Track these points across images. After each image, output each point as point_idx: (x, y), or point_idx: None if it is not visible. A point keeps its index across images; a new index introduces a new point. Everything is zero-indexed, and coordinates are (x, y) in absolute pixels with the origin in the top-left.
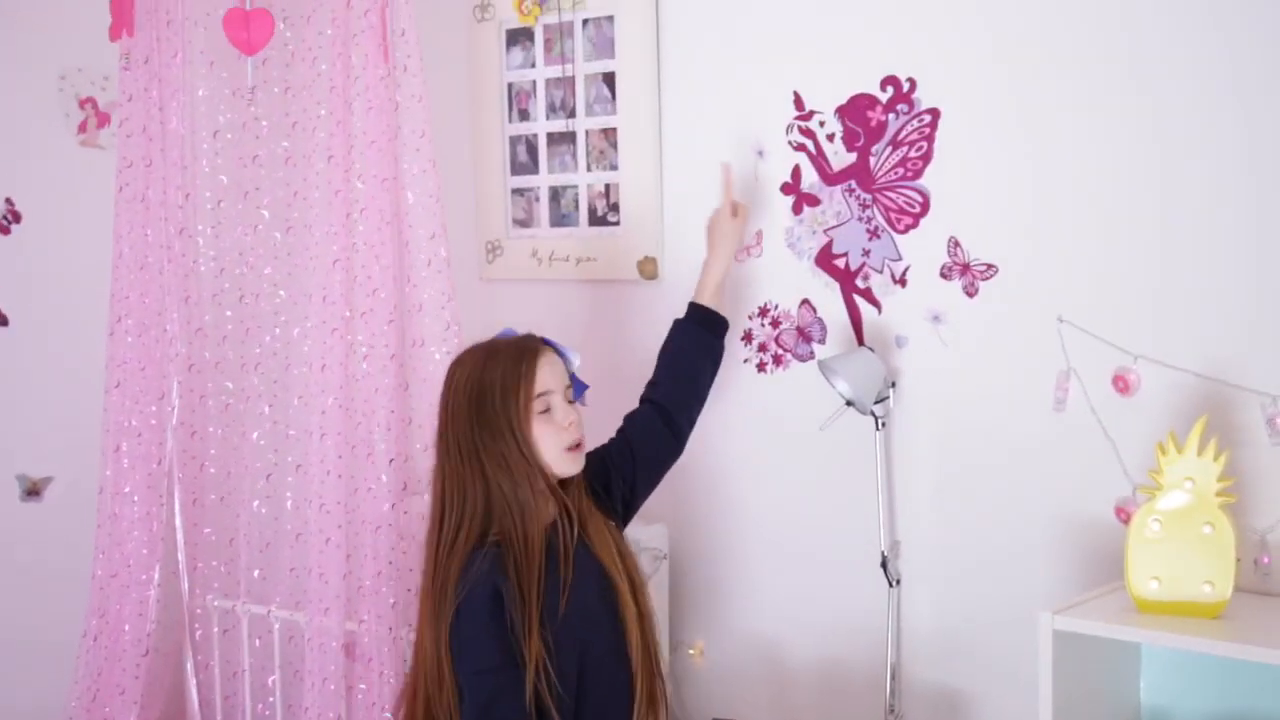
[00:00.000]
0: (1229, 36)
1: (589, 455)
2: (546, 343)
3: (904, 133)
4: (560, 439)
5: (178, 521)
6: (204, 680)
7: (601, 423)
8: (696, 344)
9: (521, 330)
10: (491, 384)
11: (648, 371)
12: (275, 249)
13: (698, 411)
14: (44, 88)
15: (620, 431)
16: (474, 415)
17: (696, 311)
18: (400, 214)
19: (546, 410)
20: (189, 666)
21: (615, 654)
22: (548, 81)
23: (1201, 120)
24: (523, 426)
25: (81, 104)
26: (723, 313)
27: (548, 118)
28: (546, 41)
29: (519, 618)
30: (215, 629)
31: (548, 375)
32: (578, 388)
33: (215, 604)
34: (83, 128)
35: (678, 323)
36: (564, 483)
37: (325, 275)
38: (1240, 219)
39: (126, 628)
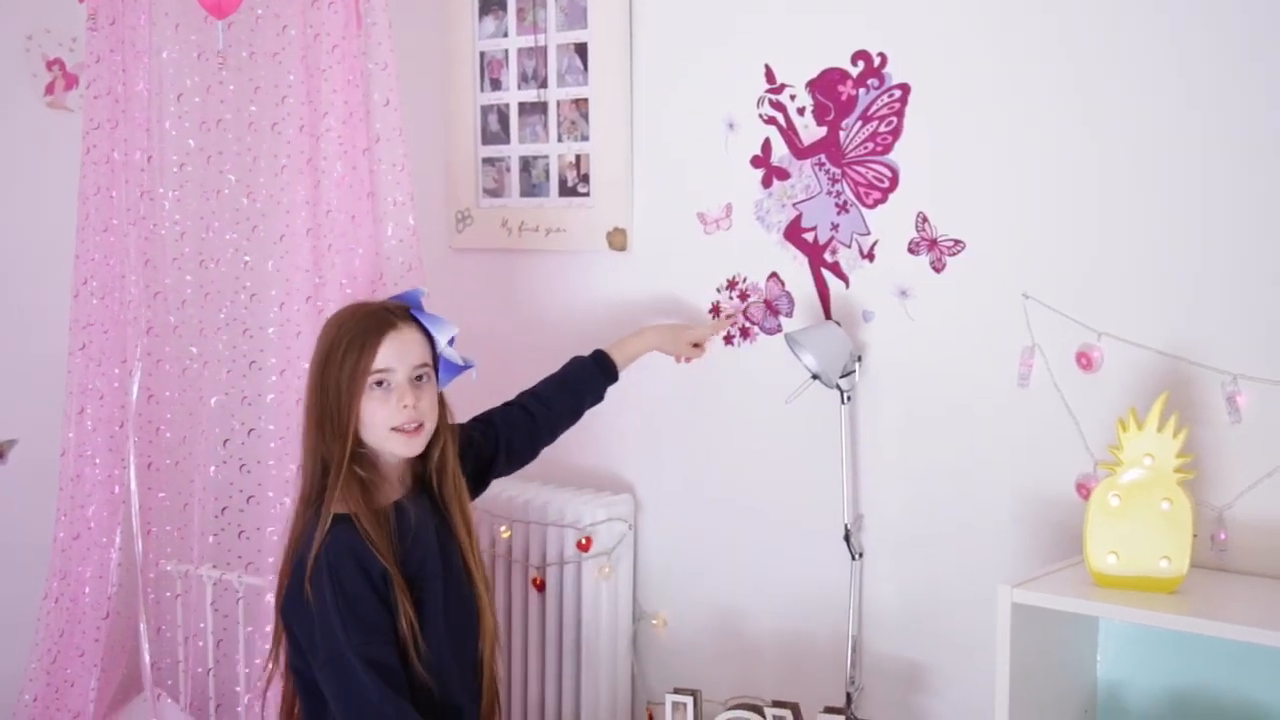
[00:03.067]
0: (1198, 17)
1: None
2: (416, 316)
3: (874, 108)
4: (389, 418)
5: (133, 485)
6: (159, 644)
7: None
8: (591, 387)
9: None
10: (337, 347)
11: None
12: (239, 215)
13: (554, 439)
14: (11, 48)
15: (491, 422)
16: (318, 376)
17: (605, 360)
18: (373, 183)
19: (382, 385)
20: (142, 629)
21: (463, 660)
22: (520, 51)
23: (1169, 101)
24: (347, 396)
25: (49, 65)
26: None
27: (519, 87)
28: (519, 11)
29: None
30: (170, 593)
31: (393, 354)
32: (450, 368)
33: (169, 568)
34: (50, 89)
35: (580, 360)
36: (426, 461)
37: (294, 242)
38: (1205, 199)
39: (87, 590)
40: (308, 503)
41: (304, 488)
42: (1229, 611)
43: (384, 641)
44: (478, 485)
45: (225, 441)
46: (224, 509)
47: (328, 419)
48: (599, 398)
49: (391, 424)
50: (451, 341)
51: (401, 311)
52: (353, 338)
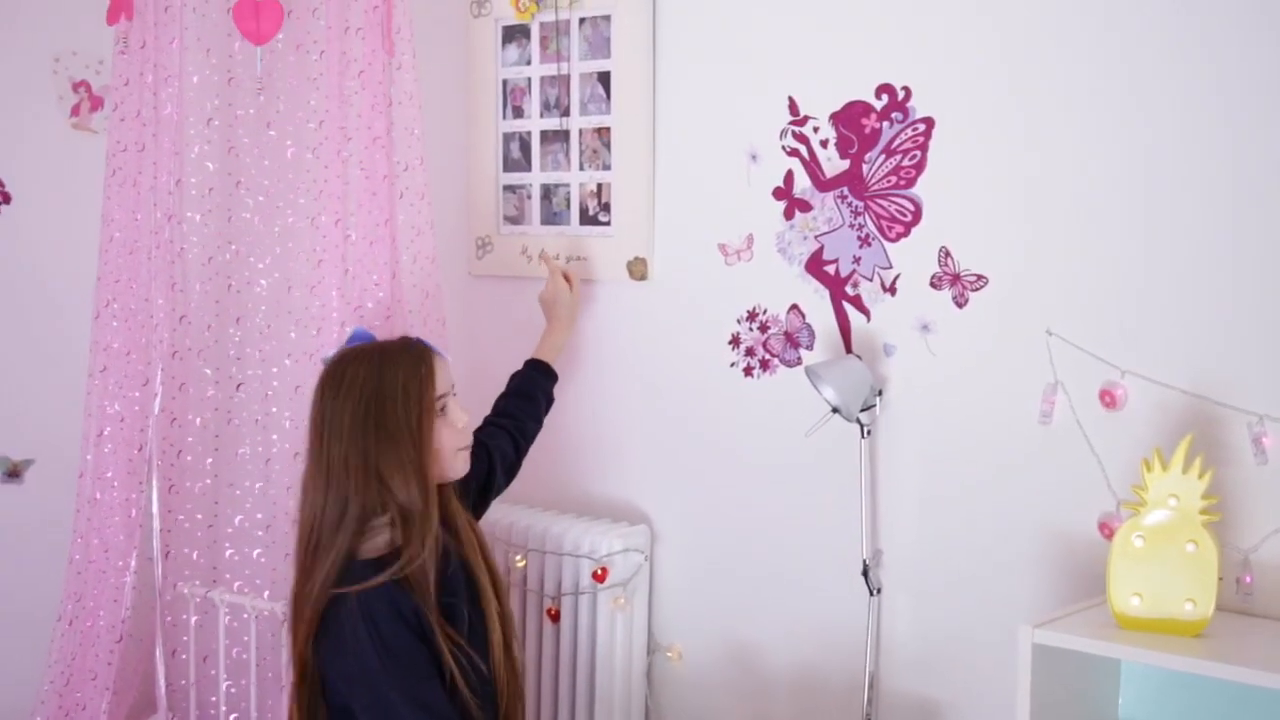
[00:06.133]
0: (1221, 55)
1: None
2: (423, 344)
3: (898, 141)
4: (456, 440)
5: (154, 509)
6: (172, 667)
7: (589, 420)
8: (539, 386)
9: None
10: (393, 386)
11: (634, 371)
12: (267, 240)
13: (530, 445)
14: (38, 70)
15: (478, 441)
16: (372, 421)
17: (538, 362)
18: (394, 209)
19: (443, 410)
20: (158, 653)
21: (479, 652)
22: (542, 79)
23: (1193, 138)
24: (424, 431)
25: (75, 87)
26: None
27: (541, 115)
28: (542, 39)
29: (429, 629)
30: (187, 617)
31: (443, 376)
32: None
33: (188, 592)
34: (75, 111)
35: (518, 371)
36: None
37: (317, 270)
38: (1230, 237)
39: (101, 613)
40: (325, 549)
41: (318, 532)
42: (1254, 656)
43: (429, 678)
44: (481, 505)
45: (267, 461)
46: (245, 533)
47: (398, 463)
48: (550, 398)
49: (459, 445)
50: None
51: (419, 340)
52: (408, 371)
